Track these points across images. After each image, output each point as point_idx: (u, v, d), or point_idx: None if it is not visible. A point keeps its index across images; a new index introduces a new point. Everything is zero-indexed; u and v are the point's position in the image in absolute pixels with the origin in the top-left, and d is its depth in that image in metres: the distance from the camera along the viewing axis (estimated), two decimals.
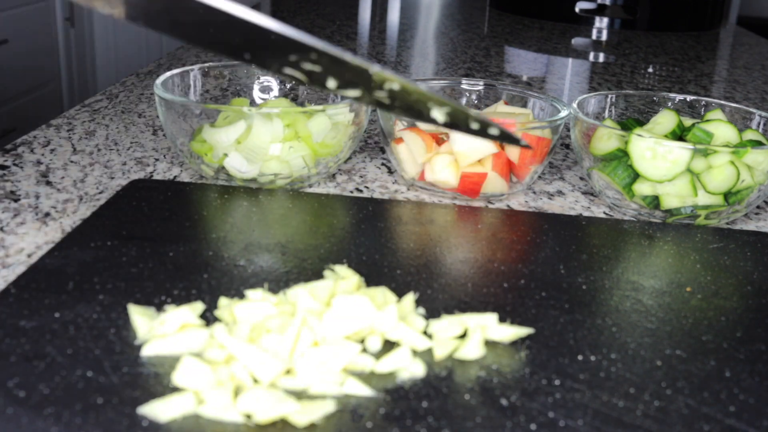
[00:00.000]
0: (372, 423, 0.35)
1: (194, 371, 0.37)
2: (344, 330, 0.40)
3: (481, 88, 0.76)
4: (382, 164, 0.73)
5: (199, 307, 0.43)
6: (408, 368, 0.39)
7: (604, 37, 1.63)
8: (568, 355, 0.42)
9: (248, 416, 0.36)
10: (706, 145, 0.62)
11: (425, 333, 0.43)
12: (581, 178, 0.73)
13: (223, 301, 0.44)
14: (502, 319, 0.44)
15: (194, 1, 0.35)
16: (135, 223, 0.54)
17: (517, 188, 0.67)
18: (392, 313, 0.42)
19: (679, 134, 0.66)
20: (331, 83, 0.38)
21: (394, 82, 0.39)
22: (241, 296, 0.45)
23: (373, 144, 0.79)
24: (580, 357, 0.42)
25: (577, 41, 1.55)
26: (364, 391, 0.38)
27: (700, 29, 1.72)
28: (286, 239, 0.53)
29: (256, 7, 1.67)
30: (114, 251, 0.50)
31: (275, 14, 1.62)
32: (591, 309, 0.47)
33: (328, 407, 0.36)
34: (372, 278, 0.48)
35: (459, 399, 0.38)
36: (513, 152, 0.64)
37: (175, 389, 0.37)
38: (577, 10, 1.67)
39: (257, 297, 0.43)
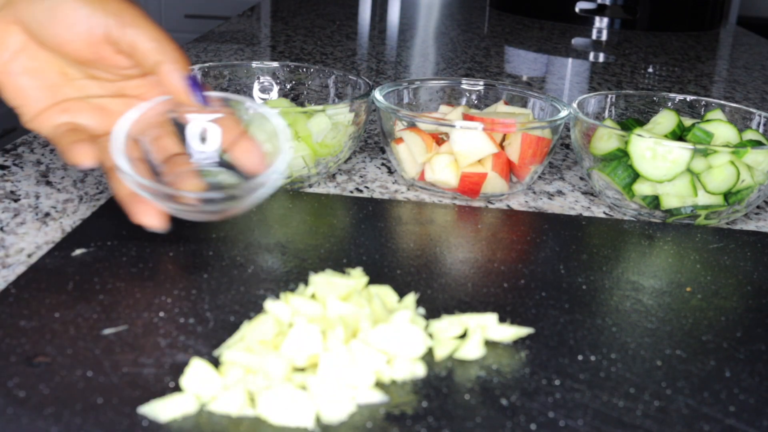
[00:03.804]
0: (372, 423, 0.35)
1: (202, 375, 0.37)
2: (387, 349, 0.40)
3: (481, 88, 0.76)
4: (382, 164, 0.73)
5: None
6: (408, 368, 0.39)
7: (604, 37, 1.63)
8: (568, 355, 0.42)
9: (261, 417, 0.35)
10: (706, 145, 0.62)
11: (425, 333, 0.43)
12: (581, 178, 0.73)
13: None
14: (502, 319, 0.44)
15: None
16: (135, 223, 0.54)
17: (517, 188, 0.67)
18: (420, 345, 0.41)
19: (679, 134, 0.66)
20: None
21: None
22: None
23: (373, 144, 0.79)
24: (580, 357, 0.42)
25: (577, 41, 1.54)
26: (381, 397, 0.37)
27: (700, 29, 1.72)
28: (286, 239, 0.53)
29: (256, 7, 1.67)
30: (114, 251, 0.50)
31: (275, 14, 1.62)
32: (591, 309, 0.47)
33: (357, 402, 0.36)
34: (372, 278, 0.48)
35: (459, 399, 0.38)
36: (513, 152, 0.64)
37: (175, 389, 0.37)
38: (577, 10, 1.67)
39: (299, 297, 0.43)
